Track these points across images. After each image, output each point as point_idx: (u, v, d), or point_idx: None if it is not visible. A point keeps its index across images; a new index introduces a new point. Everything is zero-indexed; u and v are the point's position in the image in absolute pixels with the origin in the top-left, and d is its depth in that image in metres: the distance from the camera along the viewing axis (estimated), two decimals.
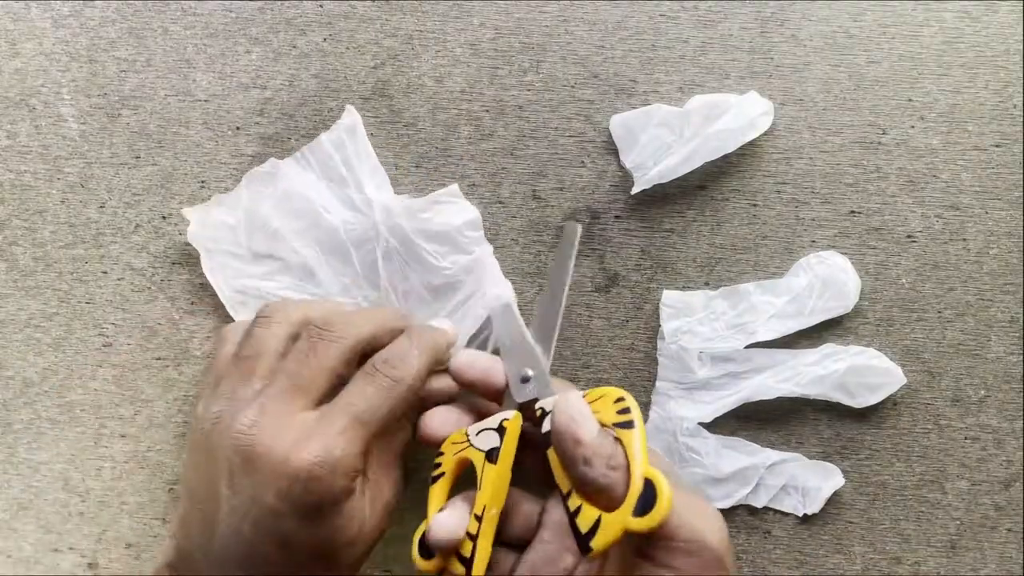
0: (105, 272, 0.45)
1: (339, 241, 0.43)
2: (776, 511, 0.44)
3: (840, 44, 0.44)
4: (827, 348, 0.43)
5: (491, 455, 0.36)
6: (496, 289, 0.42)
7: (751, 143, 0.43)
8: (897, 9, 0.44)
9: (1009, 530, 0.44)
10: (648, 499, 0.31)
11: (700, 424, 0.43)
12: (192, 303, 0.45)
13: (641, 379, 0.44)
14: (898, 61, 0.44)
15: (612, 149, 0.44)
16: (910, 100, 0.44)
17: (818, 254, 0.43)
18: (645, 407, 0.44)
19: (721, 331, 0.43)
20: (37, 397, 0.45)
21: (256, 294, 0.43)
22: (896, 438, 0.44)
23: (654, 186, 0.43)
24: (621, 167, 0.44)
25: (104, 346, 0.45)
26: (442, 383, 0.39)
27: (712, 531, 0.32)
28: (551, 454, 0.35)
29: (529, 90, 0.44)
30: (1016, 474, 0.44)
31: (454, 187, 0.43)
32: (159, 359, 0.45)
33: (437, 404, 0.39)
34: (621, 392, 0.34)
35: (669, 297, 0.43)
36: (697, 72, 0.44)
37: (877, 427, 0.44)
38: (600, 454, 0.32)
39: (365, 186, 0.43)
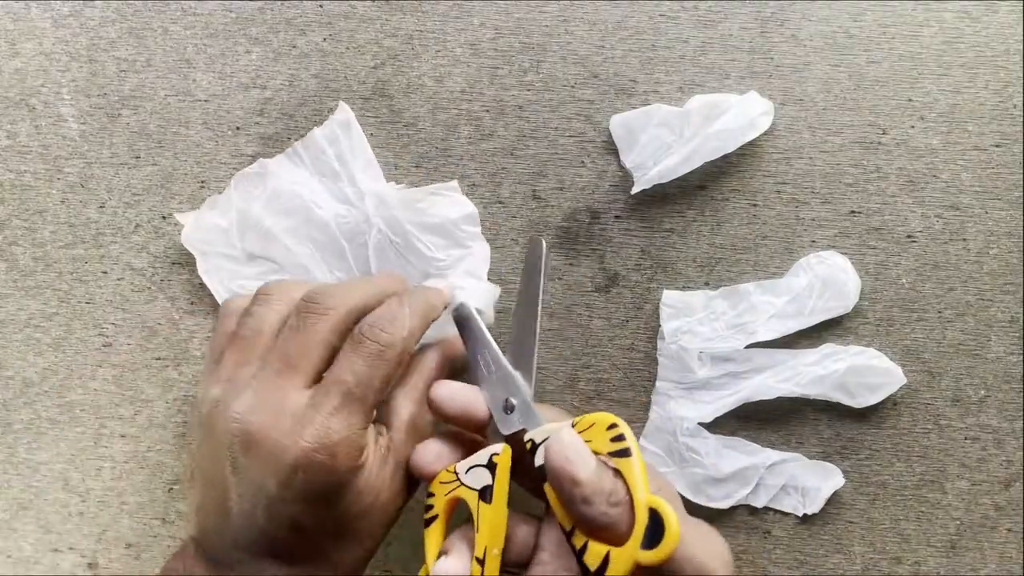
0: (105, 272, 0.45)
1: (332, 236, 0.42)
2: (776, 511, 0.44)
3: (840, 44, 0.44)
4: (827, 348, 0.43)
5: (484, 494, 0.34)
6: (463, 292, 0.40)
7: (751, 143, 0.43)
8: (897, 9, 0.44)
9: (1009, 530, 0.44)
10: (656, 531, 0.30)
11: (700, 424, 0.43)
12: (192, 303, 0.45)
13: (641, 379, 0.44)
14: (898, 61, 0.44)
15: (612, 149, 0.44)
16: (910, 100, 0.44)
17: (818, 254, 0.43)
18: (645, 407, 0.44)
19: (721, 331, 0.43)
20: (37, 397, 0.45)
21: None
22: (896, 438, 0.44)
23: (654, 186, 0.43)
24: (621, 167, 0.44)
25: (104, 346, 0.45)
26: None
27: (717, 559, 0.32)
28: (548, 490, 0.33)
29: (529, 90, 0.44)
30: (1016, 474, 0.44)
31: (453, 183, 0.43)
32: (159, 359, 0.45)
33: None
34: (613, 418, 0.33)
35: (669, 297, 0.43)
36: (697, 72, 0.44)
37: (877, 427, 0.44)
38: (600, 491, 0.31)
39: (358, 179, 0.43)
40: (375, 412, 0.36)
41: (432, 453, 0.36)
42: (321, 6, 0.44)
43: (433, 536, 0.36)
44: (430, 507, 0.36)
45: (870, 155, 0.44)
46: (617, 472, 0.32)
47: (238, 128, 0.44)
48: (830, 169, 0.44)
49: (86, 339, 0.45)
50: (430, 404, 0.37)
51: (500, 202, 0.44)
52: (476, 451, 0.36)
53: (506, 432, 0.36)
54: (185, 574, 0.36)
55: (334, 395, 0.34)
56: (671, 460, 0.43)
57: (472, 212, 0.43)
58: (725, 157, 0.43)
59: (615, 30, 0.44)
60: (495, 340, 0.38)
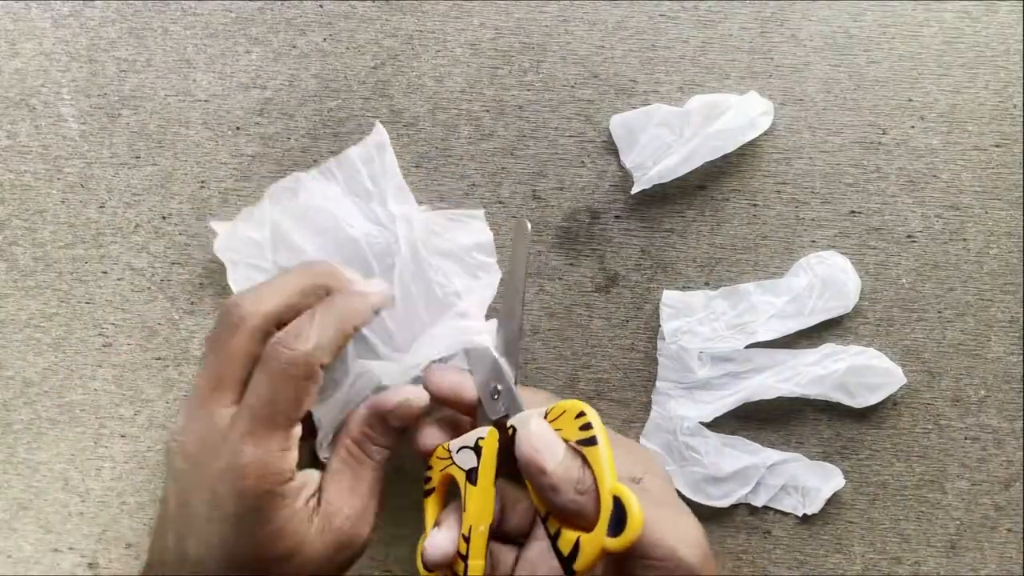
0: (105, 272, 0.45)
1: (362, 256, 0.41)
2: (776, 511, 0.44)
3: (840, 44, 0.44)
4: (827, 348, 0.43)
5: (471, 476, 0.36)
6: (478, 336, 0.39)
7: (751, 143, 0.43)
8: (897, 9, 0.44)
9: (1009, 530, 0.44)
10: (620, 518, 0.31)
11: (701, 423, 0.43)
12: (192, 303, 0.45)
13: (641, 379, 0.44)
14: (898, 61, 0.44)
15: (612, 149, 0.44)
16: (910, 100, 0.44)
17: (818, 254, 0.43)
18: (645, 407, 0.44)
19: (721, 331, 0.43)
20: (37, 397, 0.45)
21: None
22: (896, 438, 0.44)
23: (654, 186, 0.43)
24: (621, 167, 0.44)
25: (104, 346, 0.45)
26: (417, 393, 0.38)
27: (686, 544, 0.32)
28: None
29: (529, 90, 0.44)
30: (1016, 474, 0.44)
31: (479, 211, 0.43)
32: (159, 359, 0.45)
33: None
34: (581, 406, 0.33)
35: (669, 297, 0.43)
36: (697, 72, 0.44)
37: (877, 427, 0.44)
38: (567, 479, 0.32)
39: (389, 201, 0.42)
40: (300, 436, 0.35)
41: (432, 436, 0.38)
42: (321, 6, 0.44)
43: (431, 506, 0.38)
44: (428, 479, 0.38)
45: (870, 155, 0.44)
46: (585, 460, 0.33)
47: (238, 128, 0.44)
48: (830, 169, 0.44)
49: (86, 339, 0.45)
50: (424, 385, 0.38)
51: (500, 202, 0.44)
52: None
53: (493, 417, 0.37)
54: None
55: (245, 416, 0.34)
56: (671, 458, 0.43)
57: (486, 240, 0.42)
58: (725, 157, 0.43)
59: (615, 30, 0.44)
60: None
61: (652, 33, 0.44)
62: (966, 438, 0.44)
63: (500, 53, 0.44)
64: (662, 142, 0.43)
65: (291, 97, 0.44)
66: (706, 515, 0.43)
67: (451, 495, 0.38)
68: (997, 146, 0.44)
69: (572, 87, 0.44)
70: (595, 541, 0.31)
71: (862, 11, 0.44)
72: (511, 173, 0.44)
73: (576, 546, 0.32)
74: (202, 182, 0.44)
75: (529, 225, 0.38)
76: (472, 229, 0.42)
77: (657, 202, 0.44)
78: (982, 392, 0.44)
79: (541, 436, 0.33)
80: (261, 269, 0.42)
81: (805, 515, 0.44)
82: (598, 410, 0.34)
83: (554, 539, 0.33)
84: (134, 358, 0.45)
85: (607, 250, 0.44)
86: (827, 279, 0.43)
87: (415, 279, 0.41)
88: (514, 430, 0.35)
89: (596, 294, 0.44)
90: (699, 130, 0.42)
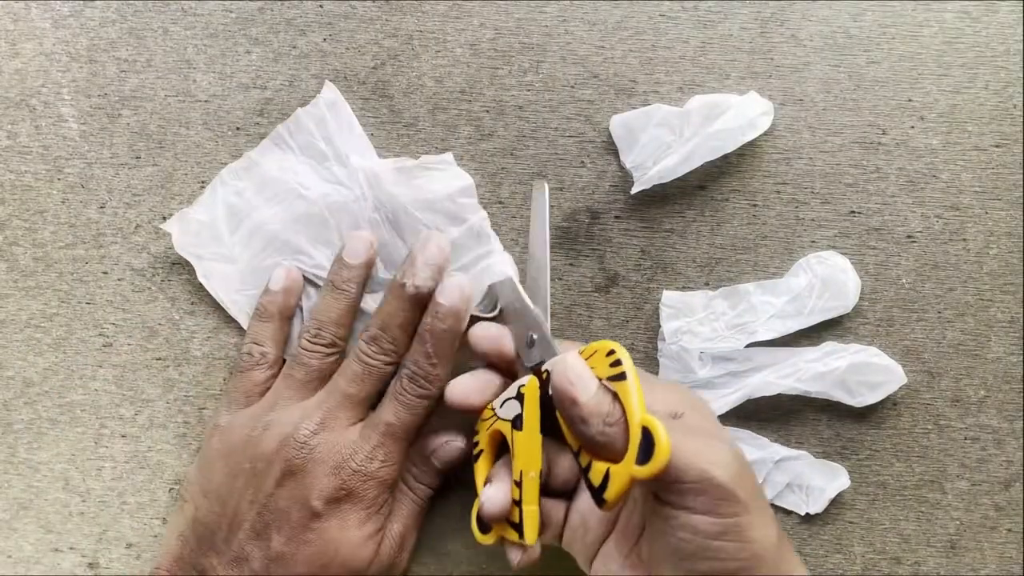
0: (105, 272, 0.45)
1: (321, 217, 0.42)
2: (777, 509, 0.44)
3: (840, 44, 0.44)
4: (828, 346, 0.43)
5: (516, 422, 0.37)
6: (500, 265, 0.41)
7: (751, 143, 0.43)
8: (897, 9, 0.44)
9: (1009, 530, 0.44)
10: (648, 447, 0.31)
11: None
12: (192, 303, 0.45)
13: None
14: (898, 61, 0.44)
15: (612, 149, 0.44)
16: (910, 100, 0.44)
17: (818, 254, 0.43)
18: None
19: (721, 331, 0.43)
20: (37, 397, 0.45)
21: (255, 295, 0.43)
22: (896, 438, 0.44)
23: (654, 186, 0.43)
24: (621, 167, 0.44)
25: (104, 346, 0.45)
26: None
27: (717, 465, 0.32)
28: (559, 413, 0.35)
29: (529, 90, 0.44)
30: (1016, 474, 0.44)
31: (448, 155, 0.43)
32: (159, 359, 0.45)
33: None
34: (612, 344, 0.34)
35: (669, 297, 0.43)
36: (697, 72, 0.44)
37: (877, 427, 0.44)
38: (597, 412, 0.33)
39: (350, 157, 0.43)
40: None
41: (460, 387, 0.40)
42: (321, 6, 0.44)
43: (481, 468, 0.40)
44: (476, 443, 0.40)
45: (870, 155, 0.44)
46: (616, 395, 0.33)
47: (238, 128, 0.44)
48: (830, 169, 0.44)
49: (86, 339, 0.45)
50: (469, 343, 0.40)
51: (500, 202, 0.44)
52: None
53: (529, 364, 0.39)
54: None
55: (377, 433, 0.40)
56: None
57: (468, 184, 0.42)
58: (725, 157, 0.43)
59: (615, 30, 0.44)
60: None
61: (652, 33, 0.44)
62: (966, 438, 0.44)
63: (500, 53, 0.44)
64: (662, 142, 0.43)
65: (291, 97, 0.44)
66: None
67: (500, 456, 0.39)
68: (997, 146, 0.44)
69: (572, 87, 0.44)
70: (624, 470, 0.32)
71: (862, 11, 0.44)
72: (511, 173, 0.44)
73: (606, 477, 0.32)
74: (202, 182, 0.44)
75: (547, 186, 0.42)
76: (449, 175, 0.42)
77: (657, 202, 0.44)
78: (982, 392, 0.44)
79: (575, 369, 0.34)
80: (225, 257, 0.43)
81: (807, 514, 0.44)
82: None
83: (585, 471, 0.33)
84: (134, 358, 0.45)
85: (607, 250, 0.44)
86: (827, 279, 0.43)
87: (401, 236, 0.42)
88: (548, 374, 0.36)
89: (596, 294, 0.44)
90: (699, 130, 0.42)
